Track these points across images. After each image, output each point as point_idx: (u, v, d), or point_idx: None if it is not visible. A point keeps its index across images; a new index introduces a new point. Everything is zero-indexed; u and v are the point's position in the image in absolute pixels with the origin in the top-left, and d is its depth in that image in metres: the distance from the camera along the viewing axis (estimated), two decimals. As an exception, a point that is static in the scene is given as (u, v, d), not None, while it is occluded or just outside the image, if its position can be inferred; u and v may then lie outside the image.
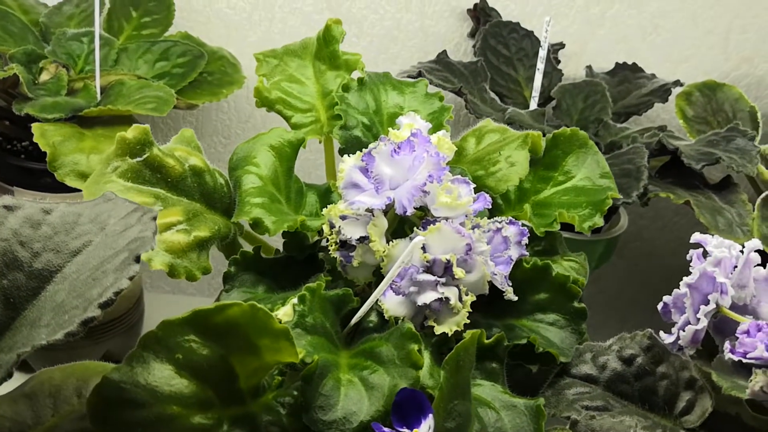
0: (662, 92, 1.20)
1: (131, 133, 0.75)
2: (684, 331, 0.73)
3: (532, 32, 1.25)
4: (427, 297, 0.71)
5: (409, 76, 1.10)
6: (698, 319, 0.72)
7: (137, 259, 0.54)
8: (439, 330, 0.72)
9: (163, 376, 0.56)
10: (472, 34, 1.28)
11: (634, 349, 0.74)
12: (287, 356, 0.61)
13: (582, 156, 0.89)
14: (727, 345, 0.70)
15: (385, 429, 0.61)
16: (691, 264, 0.76)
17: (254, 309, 0.58)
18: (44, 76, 1.05)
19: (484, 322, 0.78)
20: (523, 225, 0.79)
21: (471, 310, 0.73)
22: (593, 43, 1.31)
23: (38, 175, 1.03)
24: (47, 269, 0.58)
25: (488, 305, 0.78)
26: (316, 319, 0.68)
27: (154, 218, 0.59)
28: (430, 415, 0.61)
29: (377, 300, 0.71)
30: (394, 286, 0.71)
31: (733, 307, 0.75)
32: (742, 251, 0.76)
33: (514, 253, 0.77)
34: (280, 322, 0.61)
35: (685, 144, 1.08)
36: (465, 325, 0.73)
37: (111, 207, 0.62)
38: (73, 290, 0.55)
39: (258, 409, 0.62)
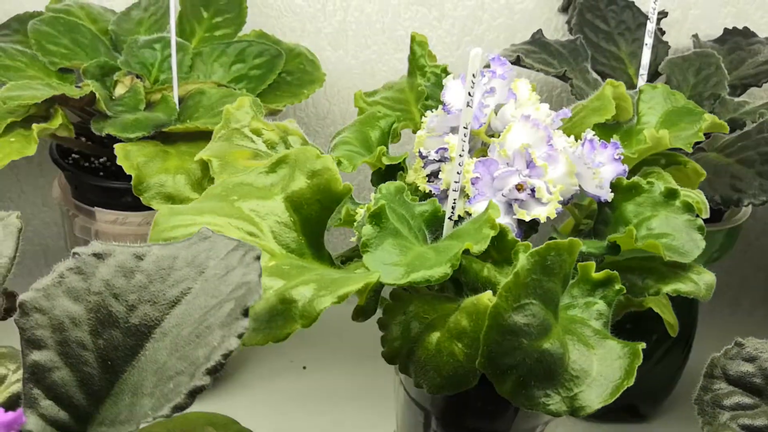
0: (783, 59, 1.08)
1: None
2: None
3: (633, 2, 1.15)
4: (512, 185, 0.71)
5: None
6: None
7: (245, 313, 0.48)
8: (529, 216, 0.70)
9: None
10: (563, 9, 1.19)
11: None
12: None
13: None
14: None
15: None
16: None
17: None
18: (119, 90, 1.00)
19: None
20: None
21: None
22: (696, 8, 1.20)
23: (118, 194, 0.99)
24: (144, 324, 0.52)
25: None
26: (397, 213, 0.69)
27: (258, 257, 0.53)
28: None
29: (466, 209, 0.73)
30: (478, 186, 0.72)
31: None
32: None
33: (608, 167, 0.74)
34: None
35: (827, 119, 0.96)
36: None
37: (208, 246, 0.55)
38: (176, 349, 0.49)
39: None
